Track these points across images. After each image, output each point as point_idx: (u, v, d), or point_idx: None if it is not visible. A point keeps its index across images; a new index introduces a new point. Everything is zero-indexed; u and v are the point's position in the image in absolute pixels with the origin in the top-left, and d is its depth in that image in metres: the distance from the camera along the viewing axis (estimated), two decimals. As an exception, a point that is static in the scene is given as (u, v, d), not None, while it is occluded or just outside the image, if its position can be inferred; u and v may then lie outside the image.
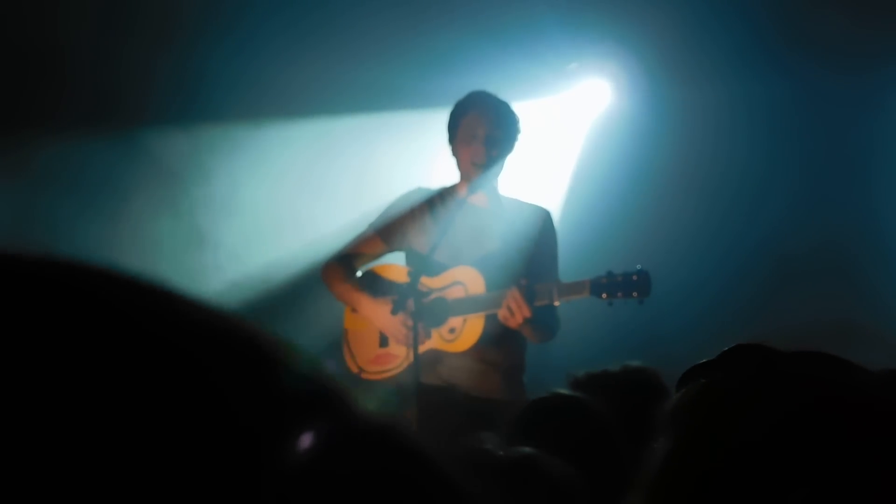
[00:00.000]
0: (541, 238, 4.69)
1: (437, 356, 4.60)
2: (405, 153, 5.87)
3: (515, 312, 4.36)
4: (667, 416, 1.23)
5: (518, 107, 4.73)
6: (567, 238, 4.90)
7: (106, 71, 5.61)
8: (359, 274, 4.83)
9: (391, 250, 4.84)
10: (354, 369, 4.77)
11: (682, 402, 1.24)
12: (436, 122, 4.80)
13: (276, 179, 5.93)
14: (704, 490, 1.18)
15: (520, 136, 4.68)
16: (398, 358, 4.64)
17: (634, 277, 4.36)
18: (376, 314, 4.65)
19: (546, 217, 4.76)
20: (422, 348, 4.52)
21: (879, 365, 1.28)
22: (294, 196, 5.94)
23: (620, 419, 2.61)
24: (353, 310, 4.79)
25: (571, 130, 6.24)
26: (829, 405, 1.18)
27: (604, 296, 4.37)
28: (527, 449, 2.00)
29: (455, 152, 4.69)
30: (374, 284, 4.76)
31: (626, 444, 2.52)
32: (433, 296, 4.62)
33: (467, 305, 4.57)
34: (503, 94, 4.70)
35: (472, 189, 4.61)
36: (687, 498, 1.18)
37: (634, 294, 4.35)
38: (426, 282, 4.61)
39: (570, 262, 4.84)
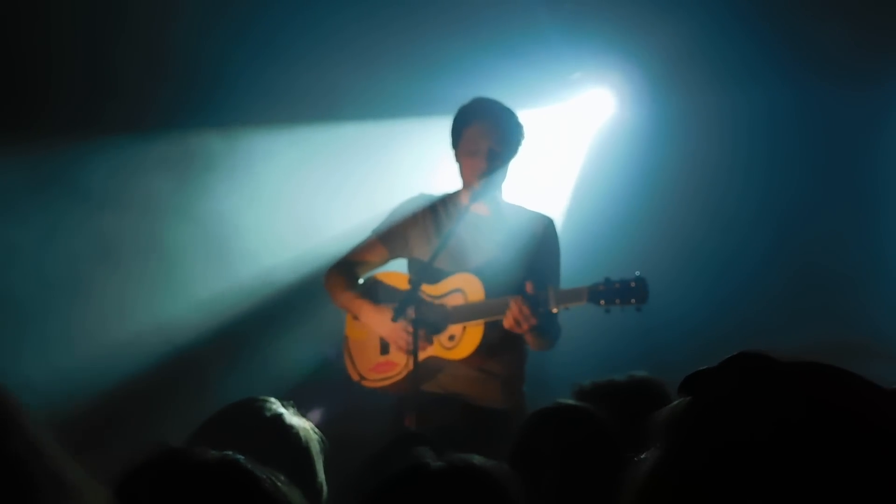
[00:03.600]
0: (542, 245, 4.67)
1: (437, 364, 4.59)
2: (411, 159, 5.88)
3: (522, 321, 4.35)
4: (657, 425, 1.22)
5: (521, 115, 4.71)
6: (570, 246, 4.88)
7: (112, 72, 5.64)
8: (361, 281, 4.81)
9: (393, 257, 4.82)
10: (356, 377, 4.76)
11: (673, 412, 1.22)
12: (440, 130, 4.79)
13: (283, 183, 5.93)
14: (688, 501, 1.16)
15: (523, 143, 4.67)
16: (398, 366, 4.61)
17: (632, 284, 4.32)
18: (377, 321, 4.63)
19: (548, 224, 4.74)
20: (422, 355, 4.51)
21: (881, 379, 1.26)
22: (301, 200, 5.95)
23: (625, 429, 2.60)
24: (355, 317, 4.77)
25: (574, 139, 6.24)
26: (825, 420, 1.16)
27: (601, 303, 4.33)
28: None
29: (457, 160, 4.68)
30: (376, 291, 4.74)
31: (629, 452, 2.51)
32: (433, 303, 4.61)
33: (467, 313, 4.54)
34: (508, 104, 4.68)
35: (474, 198, 4.60)
36: None
37: (632, 301, 4.31)
38: (426, 289, 4.59)
39: (572, 269, 4.82)
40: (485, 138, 4.56)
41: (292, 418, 2.35)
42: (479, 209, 4.66)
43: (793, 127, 6.04)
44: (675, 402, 1.23)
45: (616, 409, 2.74)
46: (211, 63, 5.69)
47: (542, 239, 4.68)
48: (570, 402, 2.84)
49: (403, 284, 4.64)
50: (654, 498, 1.18)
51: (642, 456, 1.22)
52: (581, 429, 2.66)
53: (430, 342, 4.56)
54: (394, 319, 4.46)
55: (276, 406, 2.37)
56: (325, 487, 2.33)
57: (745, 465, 1.13)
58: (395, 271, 4.81)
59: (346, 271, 4.79)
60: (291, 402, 2.41)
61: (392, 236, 4.78)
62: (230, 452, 1.52)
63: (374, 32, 5.82)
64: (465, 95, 4.75)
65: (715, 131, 6.03)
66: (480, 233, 4.66)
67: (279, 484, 1.49)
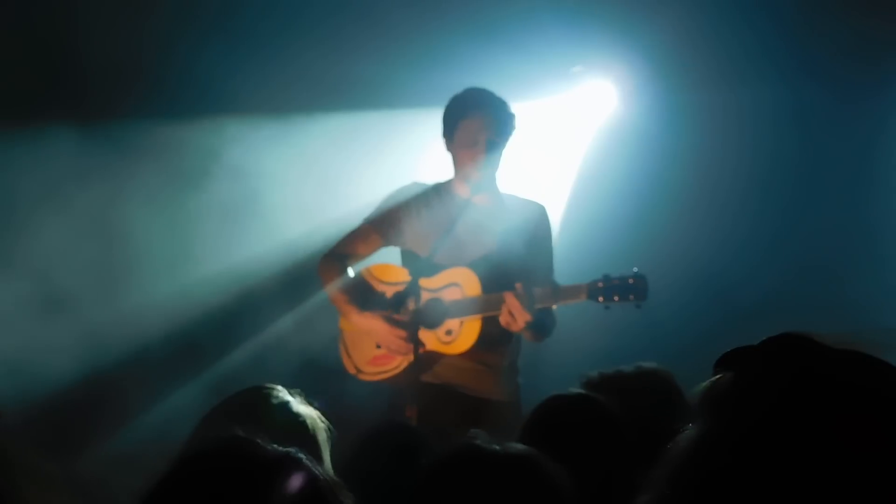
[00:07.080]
0: (537, 234, 4.65)
1: (434, 357, 4.57)
2: (409, 149, 5.87)
3: (518, 318, 4.34)
4: (699, 401, 1.21)
5: (520, 108, 4.68)
6: (570, 240, 4.88)
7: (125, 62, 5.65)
8: (351, 273, 4.76)
9: (386, 244, 4.78)
10: (352, 370, 4.71)
11: (714, 388, 1.23)
12: (438, 121, 4.78)
13: (277, 173, 5.93)
14: (726, 482, 1.17)
15: (515, 132, 4.64)
16: (395, 359, 4.59)
17: (631, 281, 4.29)
18: (368, 326, 4.60)
19: (542, 212, 4.72)
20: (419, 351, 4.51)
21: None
22: (296, 189, 5.94)
23: (633, 419, 2.60)
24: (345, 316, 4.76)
25: (575, 133, 6.23)
26: (869, 417, 1.16)
27: (600, 299, 4.30)
28: (520, 446, 2.02)
29: (452, 151, 4.66)
30: (364, 293, 4.70)
31: (637, 443, 2.52)
32: (429, 297, 4.59)
33: (464, 308, 4.53)
34: (507, 96, 4.65)
35: (476, 190, 4.58)
36: (707, 485, 1.17)
37: (631, 297, 4.28)
38: (422, 282, 4.56)
39: (572, 264, 4.82)
40: (483, 130, 4.54)
41: (299, 406, 2.33)
42: (479, 200, 4.65)
43: (795, 122, 6.03)
44: (715, 379, 1.23)
45: (623, 399, 2.74)
46: (194, 52, 5.68)
47: (537, 227, 4.67)
48: (582, 391, 2.85)
49: (396, 277, 4.61)
50: (697, 473, 1.19)
51: (681, 432, 1.22)
52: (589, 417, 2.66)
53: (423, 345, 4.53)
54: (393, 310, 4.47)
55: (283, 394, 2.34)
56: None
57: (788, 444, 1.14)
58: (388, 263, 4.78)
59: (337, 263, 4.74)
60: (298, 389, 2.40)
61: (385, 224, 4.74)
62: (293, 449, 1.51)
63: (372, 20, 5.81)
64: (463, 87, 4.73)
65: (718, 126, 6.02)
66: (480, 224, 4.63)
67: (338, 488, 1.49)
